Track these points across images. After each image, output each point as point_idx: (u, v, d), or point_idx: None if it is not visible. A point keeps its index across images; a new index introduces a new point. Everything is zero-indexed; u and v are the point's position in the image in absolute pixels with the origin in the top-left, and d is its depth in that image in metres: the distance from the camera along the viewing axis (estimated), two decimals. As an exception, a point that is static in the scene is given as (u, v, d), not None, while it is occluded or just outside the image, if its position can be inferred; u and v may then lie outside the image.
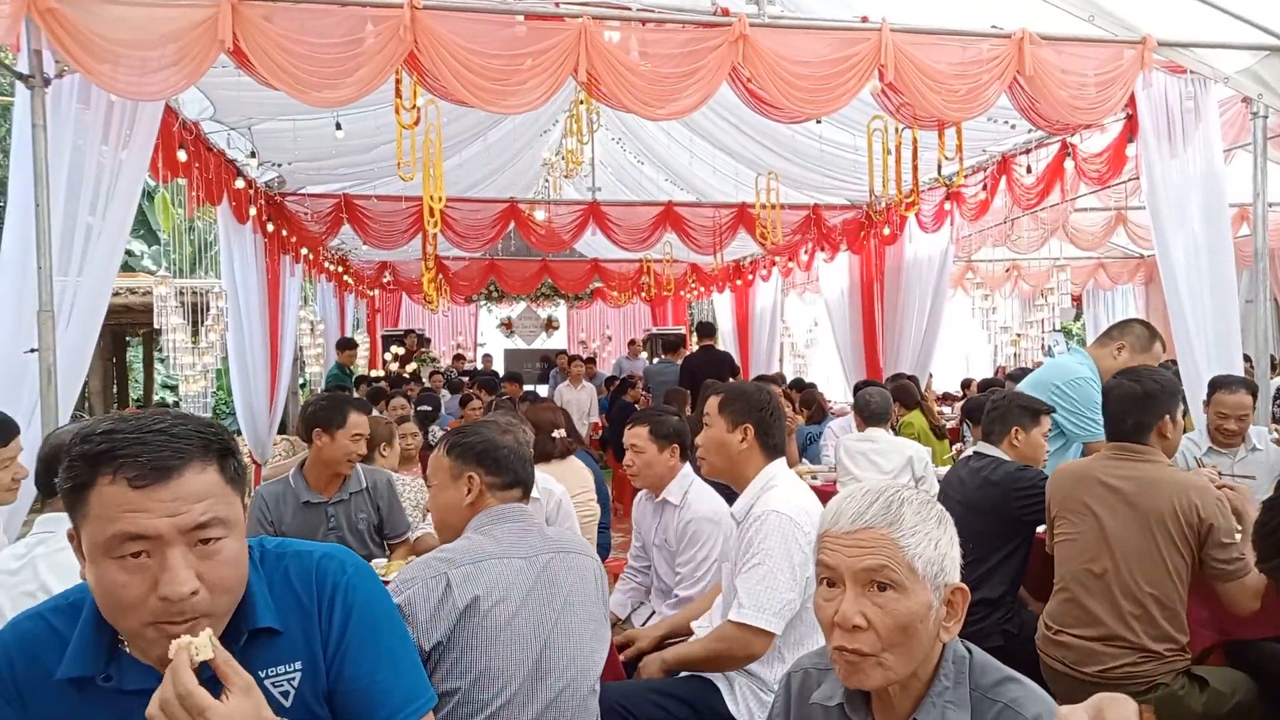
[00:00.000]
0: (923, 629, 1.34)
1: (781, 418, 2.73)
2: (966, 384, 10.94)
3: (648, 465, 3.33)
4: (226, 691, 1.16)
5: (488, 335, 19.27)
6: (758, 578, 2.42)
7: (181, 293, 7.58)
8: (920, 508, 1.38)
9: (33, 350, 3.61)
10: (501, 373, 13.51)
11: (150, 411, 1.29)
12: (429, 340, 16.51)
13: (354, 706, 1.42)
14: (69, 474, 1.21)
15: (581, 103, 7.62)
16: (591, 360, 15.38)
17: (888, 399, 5.18)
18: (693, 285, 14.73)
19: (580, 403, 10.75)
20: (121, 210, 4.22)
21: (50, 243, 3.61)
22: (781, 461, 2.69)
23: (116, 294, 5.93)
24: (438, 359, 16.18)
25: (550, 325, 19.11)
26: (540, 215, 9.34)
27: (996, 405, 3.66)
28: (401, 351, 14.53)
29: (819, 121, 6.71)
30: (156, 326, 7.21)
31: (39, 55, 3.60)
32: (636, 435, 3.38)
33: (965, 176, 7.23)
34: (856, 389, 6.47)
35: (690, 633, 2.98)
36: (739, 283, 13.52)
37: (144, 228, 18.55)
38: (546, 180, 11.11)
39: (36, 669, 1.32)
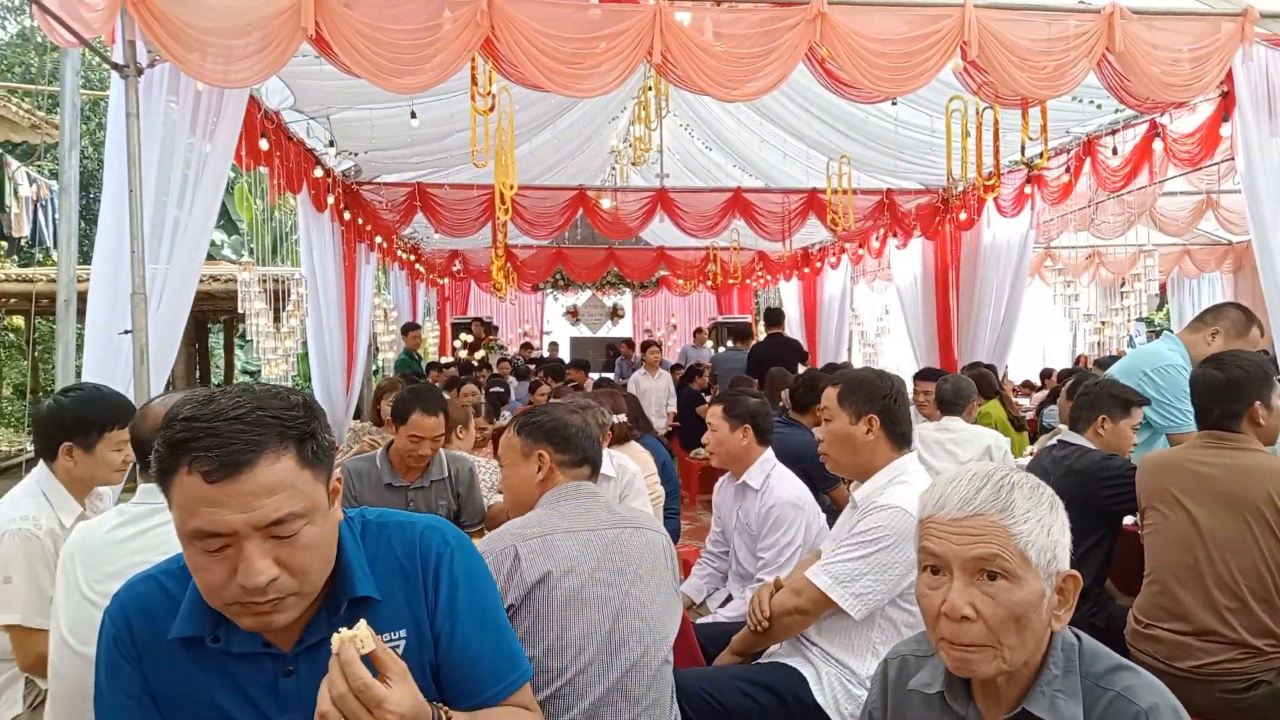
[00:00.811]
0: (1035, 618, 1.28)
1: (906, 404, 2.60)
2: (1046, 374, 10.63)
3: (720, 444, 3.33)
4: (386, 679, 1.18)
5: (554, 323, 19.43)
6: (869, 568, 2.35)
7: (263, 280, 7.79)
8: (1031, 492, 1.31)
9: (127, 332, 3.74)
10: (567, 360, 13.59)
11: (236, 391, 1.26)
12: (496, 328, 16.70)
13: (458, 676, 1.43)
14: (156, 459, 1.23)
15: (650, 89, 7.60)
16: (658, 346, 15.38)
17: (962, 387, 5.03)
18: (759, 273, 14.60)
19: (657, 391, 9.95)
20: (208, 198, 4.35)
21: (143, 228, 3.73)
22: (913, 456, 2.58)
23: (199, 281, 6.12)
24: (505, 346, 16.36)
25: (616, 313, 19.17)
26: (607, 203, 9.34)
27: (1088, 391, 3.53)
28: (470, 339, 14.73)
29: (895, 103, 6.56)
30: (240, 311, 7.43)
31: (132, 46, 3.72)
32: (712, 414, 3.39)
33: (1048, 159, 6.99)
34: (916, 379, 6.29)
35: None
36: (806, 270, 13.35)
37: (223, 218, 19.12)
38: (614, 168, 11.11)
39: (152, 628, 1.36)
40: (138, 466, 2.20)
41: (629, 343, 15.01)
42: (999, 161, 6.07)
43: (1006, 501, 1.29)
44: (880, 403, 2.53)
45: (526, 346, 16.40)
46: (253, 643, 1.35)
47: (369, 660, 1.20)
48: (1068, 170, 7.66)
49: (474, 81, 4.66)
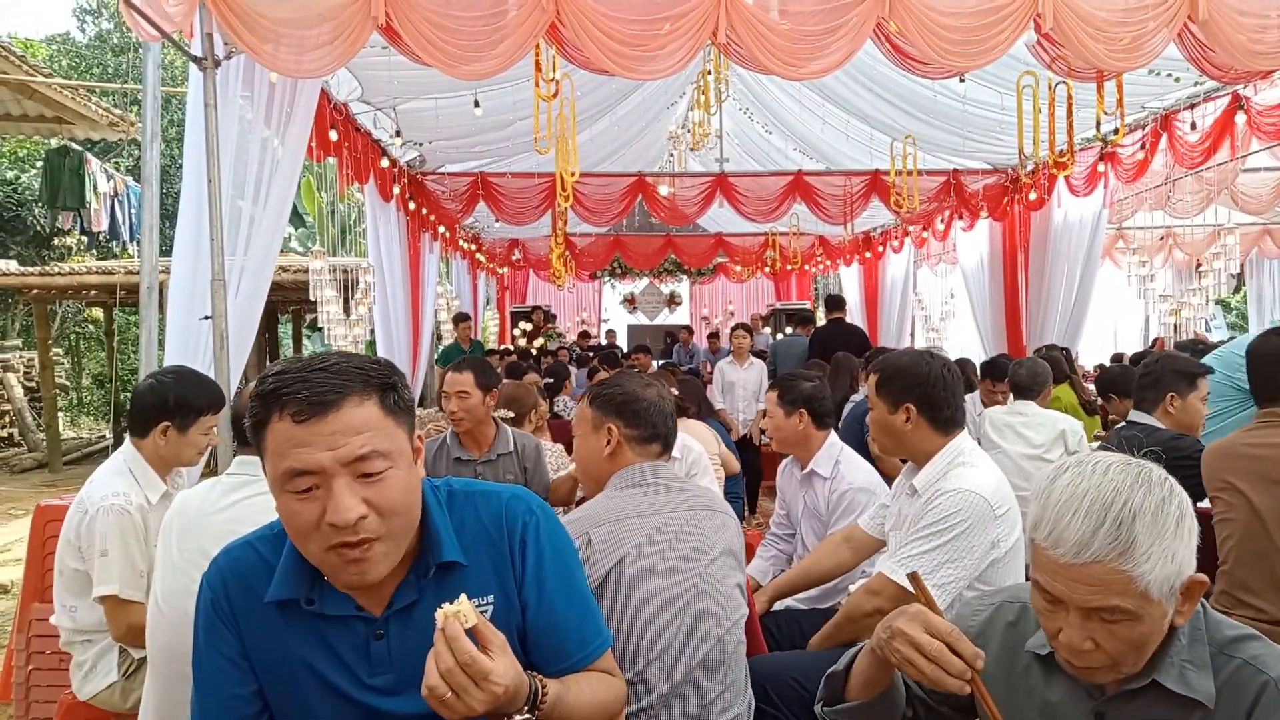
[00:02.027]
0: (1156, 635, 1.24)
1: (950, 386, 2.43)
2: (1117, 359, 10.32)
3: (777, 430, 3.30)
4: (488, 651, 1.20)
5: (611, 311, 19.50)
6: (943, 557, 2.25)
7: (333, 269, 7.98)
8: (1156, 516, 1.18)
9: (207, 317, 3.85)
10: (625, 348, 13.63)
11: (321, 353, 1.35)
12: (554, 316, 16.83)
13: (545, 642, 1.45)
14: (251, 413, 1.29)
15: (709, 73, 7.56)
16: (715, 335, 15.34)
17: (1038, 370, 4.90)
18: (819, 259, 14.44)
19: (747, 383, 8.05)
20: (283, 186, 4.46)
21: (222, 216, 3.84)
22: (965, 435, 2.46)
23: (271, 271, 6.32)
24: (563, 334, 16.47)
25: (673, 301, 19.16)
26: (664, 190, 9.31)
27: (1149, 370, 3.40)
28: (529, 327, 14.87)
29: (963, 80, 6.42)
30: (312, 298, 7.62)
31: (210, 38, 3.82)
32: (768, 400, 3.38)
33: (1124, 135, 6.77)
34: (984, 378, 6.14)
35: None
36: (868, 255, 13.17)
37: (291, 211, 19.56)
38: (671, 154, 11.09)
39: (248, 592, 1.40)
40: (235, 441, 2.26)
41: (688, 329, 14.98)
42: (1072, 138, 5.88)
43: (1127, 541, 1.16)
44: (917, 391, 2.40)
45: (584, 335, 16.49)
46: (345, 605, 1.38)
47: (470, 633, 1.21)
48: (1143, 147, 7.43)
49: (538, 68, 4.68)
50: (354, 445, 1.24)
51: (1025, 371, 4.83)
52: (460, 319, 9.72)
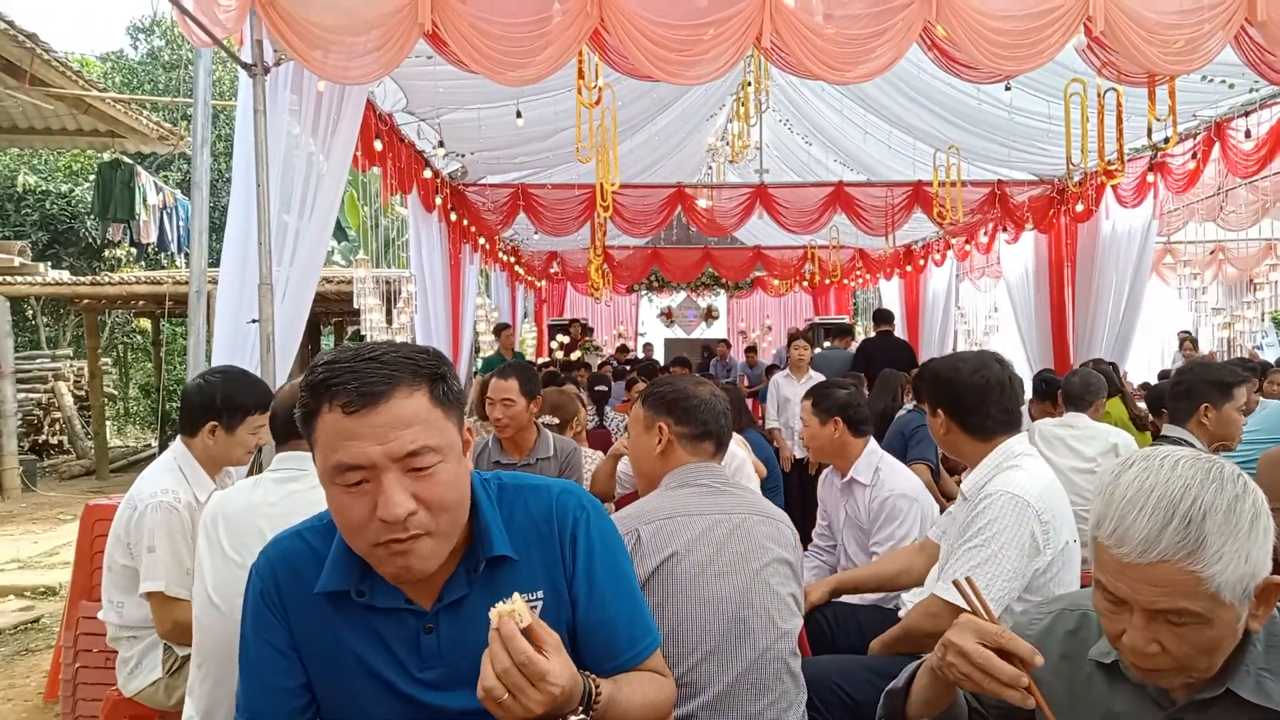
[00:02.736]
0: (1229, 639, 1.16)
1: (979, 393, 2.36)
2: (1164, 375, 10.08)
3: (813, 439, 3.27)
4: (543, 652, 1.17)
5: (648, 325, 19.50)
6: (980, 559, 2.19)
7: (376, 280, 8.07)
8: (1228, 515, 1.11)
9: (254, 321, 3.89)
10: (662, 362, 13.60)
11: (370, 343, 1.33)
12: (591, 329, 16.86)
13: (595, 640, 1.42)
14: (300, 404, 1.28)
15: (749, 84, 7.54)
16: (753, 349, 15.26)
17: (1091, 381, 4.78)
18: (858, 272, 14.32)
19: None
20: (328, 198, 4.52)
21: (269, 220, 3.88)
22: (1019, 439, 2.39)
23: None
24: (600, 347, 16.49)
25: (710, 314, 19.10)
26: (703, 203, 9.28)
27: (1181, 380, 3.28)
28: (566, 340, 14.92)
29: (1009, 88, 6.34)
30: (355, 306, 7.70)
31: (259, 45, 3.87)
32: (803, 410, 3.34)
33: (1171, 145, 6.62)
34: (1035, 387, 6.03)
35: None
36: (909, 268, 13.03)
37: (334, 225, 19.86)
38: (710, 166, 11.08)
39: (298, 583, 1.39)
40: (274, 440, 2.26)
41: (725, 343, 14.91)
42: (1122, 146, 5.77)
43: (1196, 540, 1.09)
44: (945, 396, 2.38)
45: (623, 349, 16.50)
46: (395, 598, 1.36)
47: (524, 633, 1.19)
48: (1194, 156, 7.26)
49: (581, 75, 4.69)
50: (404, 440, 1.23)
51: (1078, 380, 4.70)
52: (501, 328, 9.79)
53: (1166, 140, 6.28)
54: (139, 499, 2.56)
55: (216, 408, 2.63)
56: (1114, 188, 7.62)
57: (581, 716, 1.24)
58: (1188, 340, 11.09)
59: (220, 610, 2.00)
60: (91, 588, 3.33)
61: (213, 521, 2.09)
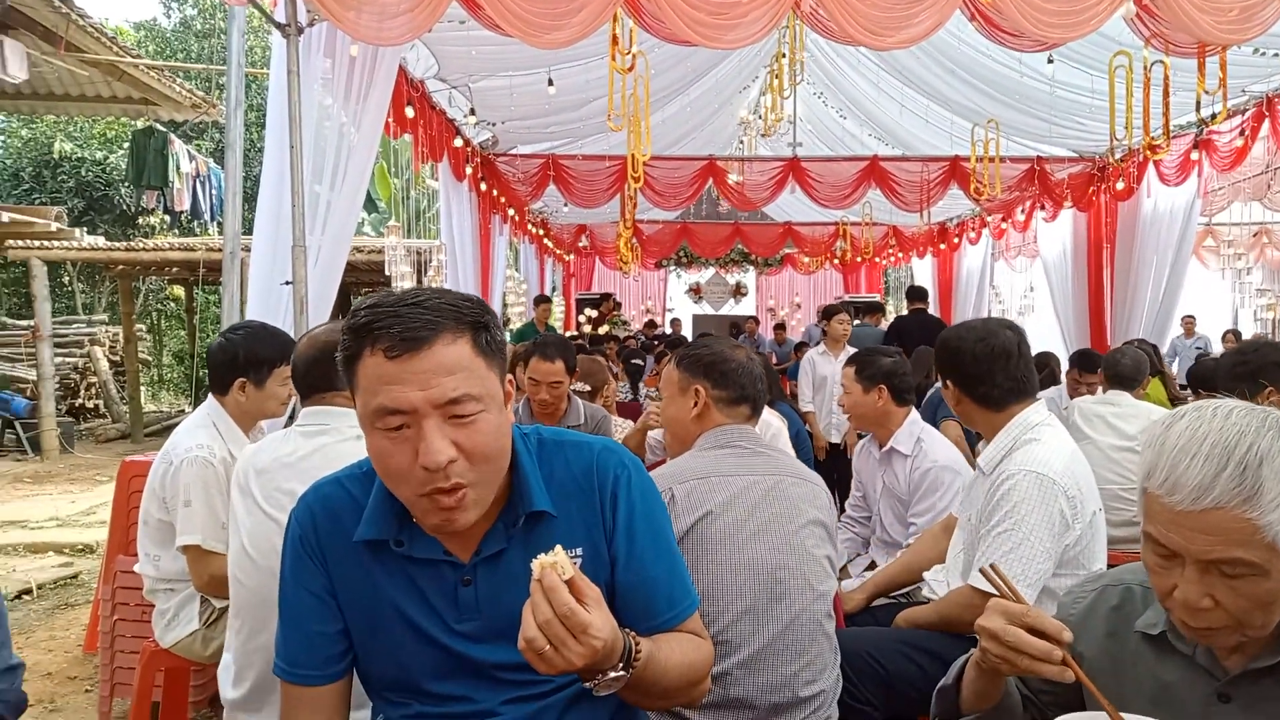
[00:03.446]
0: None
1: (982, 362, 2.32)
2: (1203, 357, 9.90)
3: (855, 406, 3.22)
4: (584, 605, 1.15)
5: (676, 301, 19.43)
6: (1010, 544, 2.15)
7: (406, 250, 8.09)
8: None
9: (288, 283, 3.90)
10: (690, 338, 13.56)
11: (414, 288, 1.32)
12: (620, 304, 16.84)
13: (635, 599, 1.40)
14: (342, 347, 1.26)
15: (783, 56, 7.43)
16: (781, 326, 15.18)
17: (1141, 362, 4.67)
18: (891, 250, 14.16)
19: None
20: (360, 163, 4.51)
21: (303, 182, 3.87)
22: (1036, 408, 2.35)
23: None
24: (629, 322, 16.48)
25: (739, 291, 19.00)
26: (733, 178, 9.17)
27: (1245, 360, 3.13)
28: (595, 314, 14.92)
29: (1051, 60, 6.20)
30: (387, 273, 7.72)
31: (293, 4, 3.86)
32: (845, 376, 3.27)
33: (1220, 120, 6.43)
34: (1077, 368, 5.93)
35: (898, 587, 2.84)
36: (943, 246, 12.86)
37: (365, 197, 19.94)
38: (742, 140, 10.96)
39: (338, 529, 1.38)
40: (298, 394, 2.25)
41: (754, 320, 14.84)
42: (1168, 121, 5.61)
43: (1253, 486, 1.04)
44: (950, 367, 2.36)
45: (651, 324, 16.48)
46: (433, 549, 1.35)
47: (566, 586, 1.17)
48: (1242, 133, 7.06)
49: (614, 40, 4.63)
50: (446, 387, 1.21)
51: (1130, 360, 4.58)
52: (540, 300, 9.85)
53: (1214, 116, 6.12)
54: (174, 454, 2.58)
55: (241, 364, 2.63)
56: (1157, 165, 7.44)
57: (621, 673, 1.23)
58: (1231, 335, 10.87)
59: (255, 563, 2.01)
60: (128, 543, 3.37)
61: (245, 476, 2.10)
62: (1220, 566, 1.09)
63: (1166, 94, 5.56)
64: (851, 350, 6.52)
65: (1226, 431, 1.08)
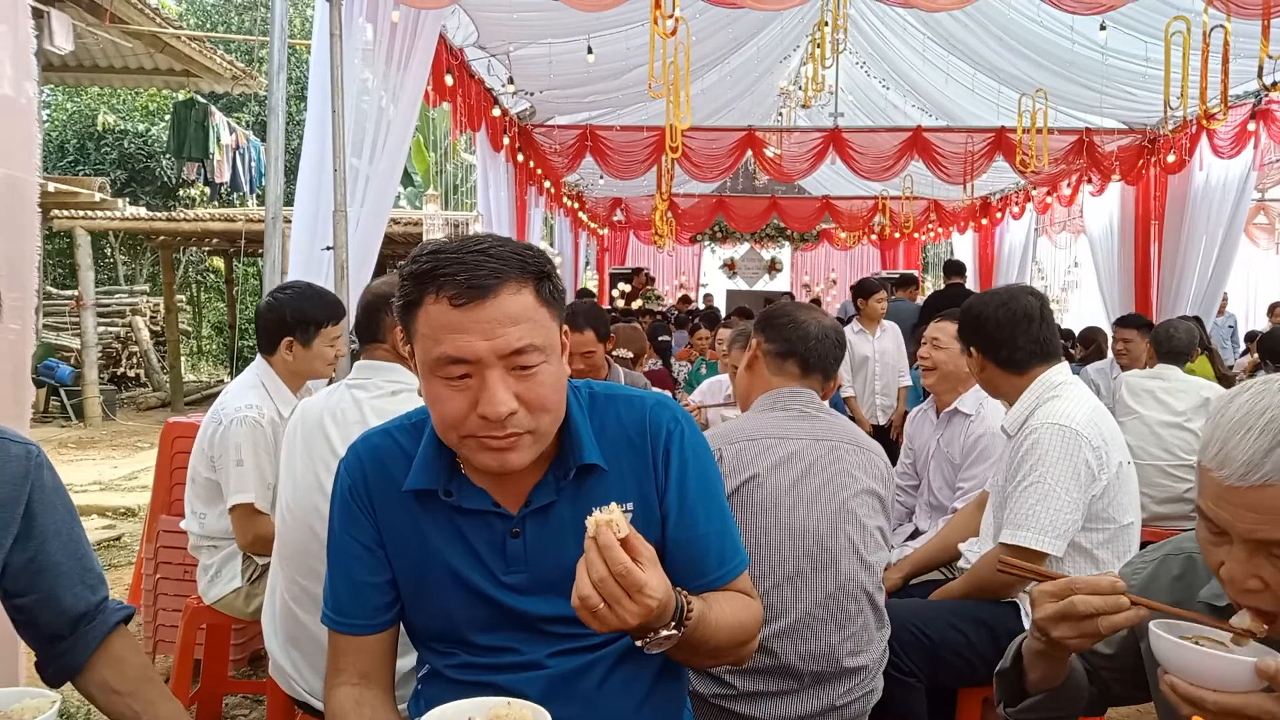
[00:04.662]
0: None
1: (1005, 326, 2.35)
2: (1250, 337, 9.64)
3: (947, 362, 3.11)
4: (639, 563, 1.13)
5: (710, 276, 19.33)
6: (1037, 497, 2.17)
7: (444, 221, 8.10)
8: None
9: (329, 248, 3.90)
10: (723, 313, 13.48)
11: (474, 235, 1.29)
12: (653, 279, 16.79)
13: (684, 556, 1.37)
14: (401, 292, 1.24)
15: (825, 24, 7.28)
16: (817, 302, 15.03)
17: (1194, 336, 4.56)
18: (930, 225, 13.94)
19: (885, 355, 6.21)
20: (400, 131, 4.51)
21: (344, 146, 3.87)
22: (1060, 368, 2.37)
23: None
24: (662, 297, 16.42)
25: (774, 267, 18.85)
26: (771, 151, 9.03)
27: None
28: (628, 289, 14.88)
29: (1104, 26, 6.02)
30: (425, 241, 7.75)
31: (337, -33, 3.83)
32: (943, 330, 3.13)
33: (1282, 88, 6.22)
34: (1117, 325, 5.85)
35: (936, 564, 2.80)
36: (984, 221, 12.63)
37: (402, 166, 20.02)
38: (781, 112, 10.81)
39: (386, 480, 1.37)
40: (356, 340, 2.27)
41: (789, 296, 14.70)
42: (1226, 88, 5.41)
43: None
44: (975, 333, 2.42)
45: (684, 300, 16.40)
46: (482, 500, 1.34)
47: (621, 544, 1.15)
48: (1304, 103, 6.83)
49: (657, 4, 4.55)
50: (511, 337, 1.19)
51: (1183, 334, 4.47)
52: (583, 294, 9.86)
53: (1276, 84, 5.90)
54: (224, 414, 2.59)
55: (289, 323, 2.63)
56: (1210, 135, 7.22)
57: (673, 631, 1.21)
58: (1278, 309, 10.58)
59: (295, 514, 2.02)
60: (171, 502, 3.41)
61: (293, 430, 2.11)
62: (1269, 547, 1.04)
63: (1225, 59, 5.35)
64: (890, 326, 6.42)
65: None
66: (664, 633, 1.19)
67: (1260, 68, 5.17)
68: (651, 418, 1.40)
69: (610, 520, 1.13)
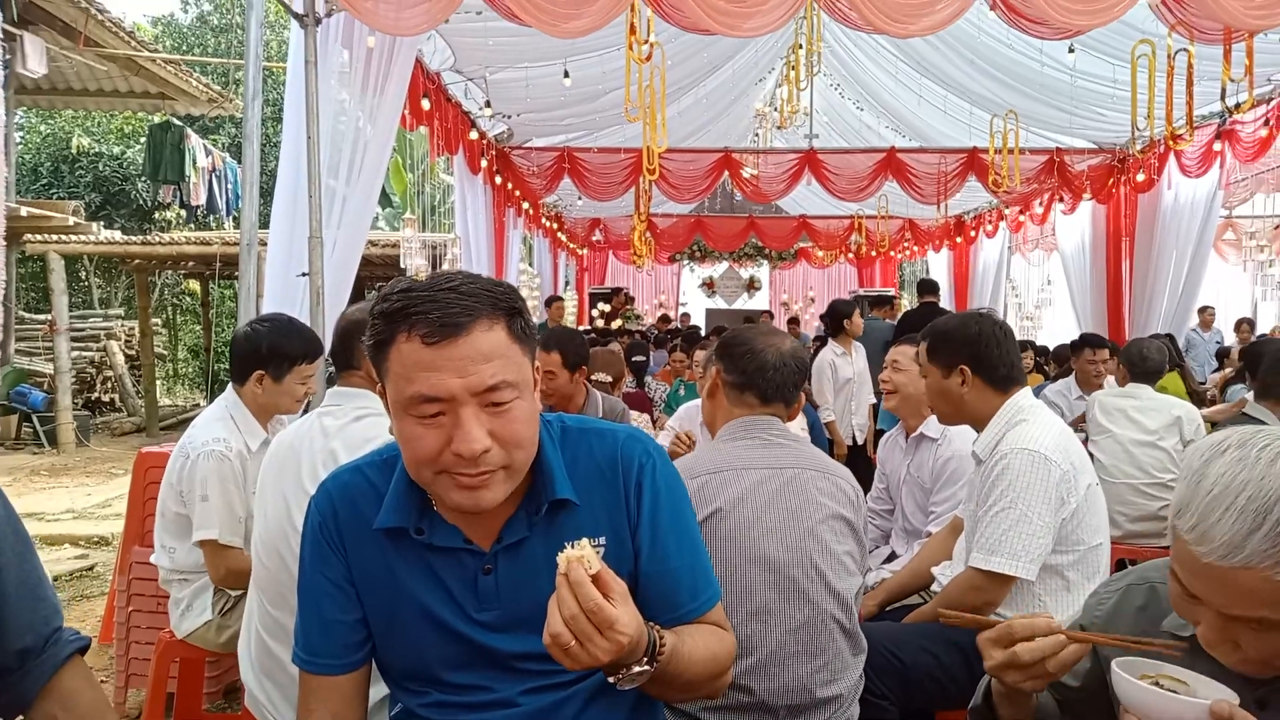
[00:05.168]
0: None
1: (1002, 344, 2.40)
2: (1223, 353, 9.78)
3: (908, 384, 3.13)
4: (610, 599, 1.13)
5: (689, 295, 19.39)
6: (1009, 522, 2.18)
7: (421, 243, 8.09)
8: None
9: (304, 274, 3.89)
10: (703, 332, 13.52)
11: (444, 272, 1.29)
12: (633, 299, 16.82)
13: (656, 590, 1.38)
14: (372, 331, 1.24)
15: (800, 46, 7.37)
16: (795, 321, 15.11)
17: (1164, 354, 4.62)
18: (906, 244, 14.07)
19: (861, 375, 6.38)
20: (376, 155, 4.50)
21: (320, 173, 3.86)
22: (1025, 392, 2.41)
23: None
24: (641, 316, 16.45)
25: (752, 285, 18.95)
26: (748, 171, 9.10)
27: None
28: (607, 309, 14.91)
29: (1072, 49, 6.13)
30: (402, 266, 7.73)
31: (312, -5, 3.84)
32: (903, 353, 3.16)
33: (1246, 109, 6.34)
34: (1084, 346, 5.89)
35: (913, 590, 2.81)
36: (959, 240, 12.77)
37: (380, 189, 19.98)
38: (758, 132, 10.90)
39: (357, 517, 1.36)
40: (333, 367, 2.27)
41: (768, 314, 14.78)
42: (1191, 109, 5.52)
43: None
44: (967, 351, 2.39)
45: (664, 319, 16.44)
46: (454, 538, 1.33)
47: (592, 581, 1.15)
48: (1266, 123, 6.96)
49: (632, 30, 4.60)
50: (484, 374, 1.19)
51: (1154, 353, 4.52)
52: (552, 300, 9.87)
53: (1238, 105, 6.02)
54: (191, 447, 2.57)
55: (263, 356, 2.61)
56: (1178, 155, 7.35)
57: (646, 667, 1.20)
58: (1245, 325, 10.75)
59: (267, 545, 2.01)
60: (144, 534, 3.37)
61: (268, 460, 2.11)
62: (1246, 621, 1.04)
63: (1190, 82, 5.47)
64: (859, 347, 6.59)
65: (1267, 483, 1.00)
66: (636, 668, 1.19)
67: (1223, 90, 5.29)
68: (623, 451, 1.40)
69: (581, 556, 1.13)
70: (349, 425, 2.06)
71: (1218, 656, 1.11)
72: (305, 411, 2.75)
